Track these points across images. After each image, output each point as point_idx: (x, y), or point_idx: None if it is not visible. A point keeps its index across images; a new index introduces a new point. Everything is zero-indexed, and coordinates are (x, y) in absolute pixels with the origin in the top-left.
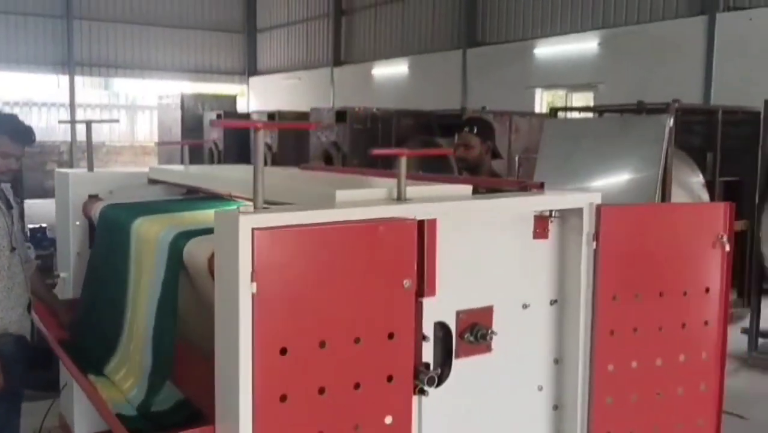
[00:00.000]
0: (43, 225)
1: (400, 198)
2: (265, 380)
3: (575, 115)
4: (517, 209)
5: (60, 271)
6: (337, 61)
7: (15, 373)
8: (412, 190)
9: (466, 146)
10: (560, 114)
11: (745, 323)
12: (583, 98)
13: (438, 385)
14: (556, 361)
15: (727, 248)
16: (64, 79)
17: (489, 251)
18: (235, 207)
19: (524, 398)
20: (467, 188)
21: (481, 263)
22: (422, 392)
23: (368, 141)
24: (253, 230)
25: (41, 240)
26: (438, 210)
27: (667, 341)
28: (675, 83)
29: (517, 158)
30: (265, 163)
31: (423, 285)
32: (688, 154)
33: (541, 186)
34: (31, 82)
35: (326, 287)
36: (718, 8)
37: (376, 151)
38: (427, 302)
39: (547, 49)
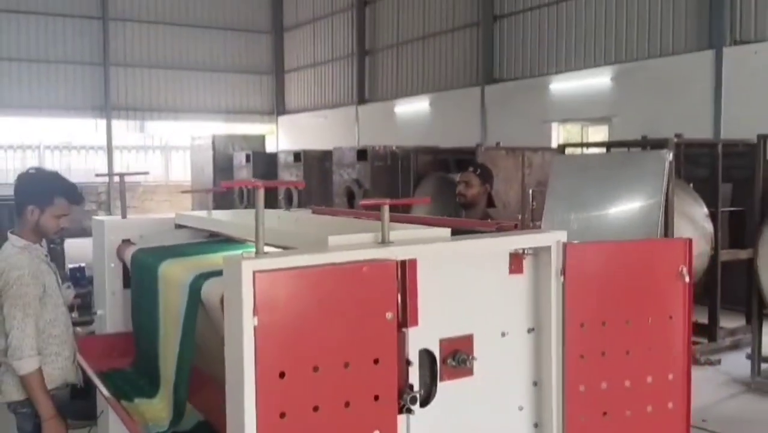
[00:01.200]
0: (82, 264)
1: (384, 241)
2: (266, 400)
3: (584, 150)
4: (490, 249)
5: (97, 308)
6: (362, 100)
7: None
8: (396, 233)
9: (467, 184)
10: (568, 150)
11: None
12: (598, 131)
13: (424, 405)
14: (535, 383)
15: (687, 279)
16: (102, 122)
17: (468, 285)
18: (243, 251)
19: (506, 418)
20: (446, 231)
21: (462, 296)
22: (408, 411)
23: (389, 177)
24: (254, 272)
25: (80, 279)
26: (416, 251)
27: (635, 364)
28: (685, 116)
29: (530, 191)
30: (291, 200)
31: (405, 317)
32: (695, 186)
33: (515, 227)
34: (70, 126)
35: (318, 319)
36: (725, 42)
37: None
38: (411, 331)
39: (562, 85)
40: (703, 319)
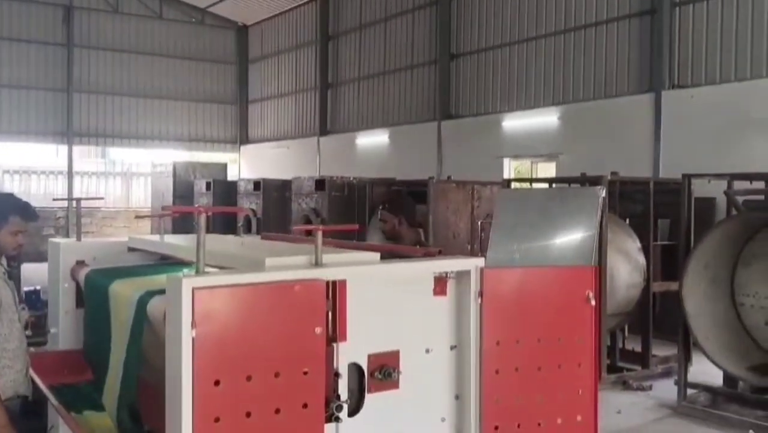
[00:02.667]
0: (38, 288)
1: (317, 263)
2: (202, 406)
3: (527, 185)
4: (415, 272)
5: (50, 327)
6: (323, 131)
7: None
8: (329, 257)
9: (384, 221)
10: (513, 184)
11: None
12: (546, 168)
13: (352, 415)
14: (457, 396)
15: (593, 302)
16: (63, 148)
17: (396, 305)
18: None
19: (430, 428)
20: (375, 255)
21: (389, 315)
22: (337, 419)
23: (345, 207)
24: (193, 289)
25: (35, 301)
26: (346, 273)
27: (546, 379)
28: (627, 154)
29: (480, 223)
30: (249, 228)
31: (335, 332)
32: (632, 222)
33: (439, 252)
34: (32, 151)
35: (252, 332)
36: (664, 87)
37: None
38: (341, 345)
39: (514, 122)
40: (638, 347)
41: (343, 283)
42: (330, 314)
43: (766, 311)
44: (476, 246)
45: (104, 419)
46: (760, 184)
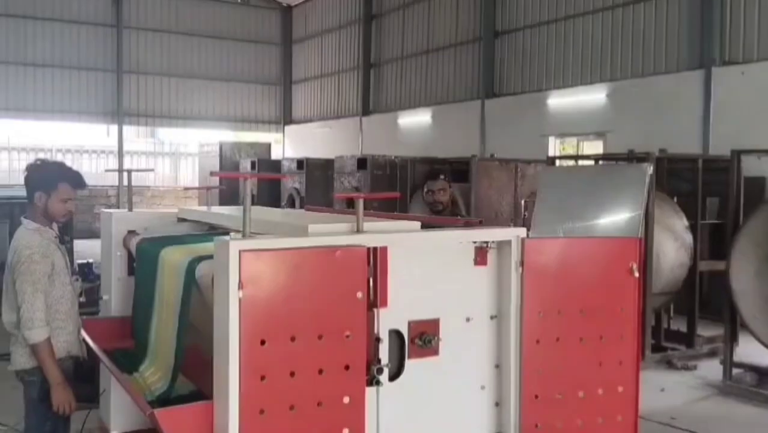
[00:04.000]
0: (90, 261)
1: (359, 230)
2: (248, 364)
3: (572, 163)
4: (455, 240)
5: (103, 294)
6: (366, 111)
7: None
8: (370, 225)
9: (443, 191)
10: (558, 162)
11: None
12: (593, 146)
13: (393, 379)
14: (497, 366)
15: (636, 274)
16: (114, 128)
17: (437, 274)
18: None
19: (469, 396)
20: (416, 224)
21: (430, 284)
22: (377, 382)
23: (387, 185)
24: (240, 251)
25: (88, 274)
26: (386, 239)
27: (587, 350)
28: (676, 132)
29: (523, 201)
30: (293, 206)
31: (376, 298)
32: (680, 200)
33: (479, 223)
34: (83, 130)
35: (296, 295)
36: (714, 63)
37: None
38: (381, 311)
39: (560, 100)
40: (684, 328)
41: (384, 249)
42: (371, 279)
43: None
44: (519, 225)
45: (152, 376)
46: None
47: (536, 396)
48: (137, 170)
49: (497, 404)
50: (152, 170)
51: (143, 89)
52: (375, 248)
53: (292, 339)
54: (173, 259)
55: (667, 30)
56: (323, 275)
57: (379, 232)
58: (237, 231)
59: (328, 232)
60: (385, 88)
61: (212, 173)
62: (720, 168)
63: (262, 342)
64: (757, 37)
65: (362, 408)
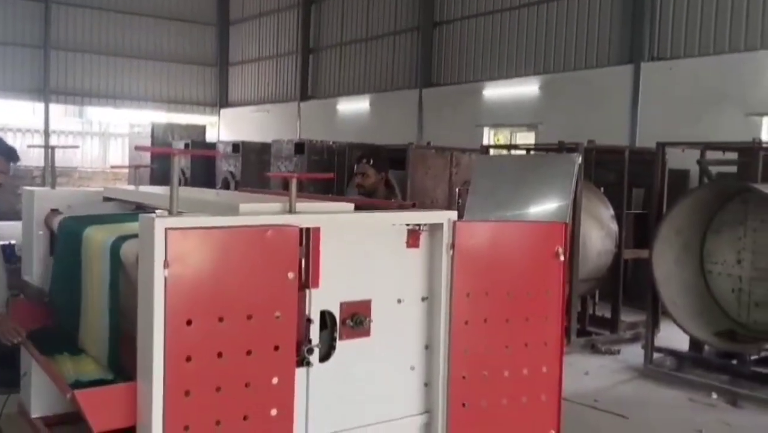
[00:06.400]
0: (12, 242)
1: (291, 210)
2: (173, 345)
3: (505, 152)
4: (386, 223)
5: (24, 275)
6: (304, 96)
7: None
8: (303, 205)
9: (363, 175)
10: (491, 151)
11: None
12: (526, 137)
13: (323, 360)
14: (427, 346)
15: (562, 258)
16: (40, 106)
17: (369, 255)
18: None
19: (399, 376)
20: (349, 206)
21: (362, 265)
22: (308, 363)
23: (325, 171)
24: (166, 229)
25: (10, 255)
26: (319, 220)
27: (513, 331)
28: (605, 125)
29: (457, 189)
30: (228, 188)
31: (308, 278)
32: (606, 190)
33: (413, 205)
34: (7, 108)
35: (225, 274)
36: (644, 59)
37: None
38: (313, 292)
39: (495, 91)
40: (608, 314)
41: (317, 230)
42: (303, 260)
43: (732, 278)
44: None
45: (83, 362)
46: (732, 156)
47: (463, 376)
48: (62, 147)
49: (426, 384)
50: (77, 147)
51: (72, 66)
52: (308, 229)
53: (220, 319)
54: (97, 238)
55: (599, 25)
56: (253, 254)
57: (312, 212)
58: (164, 209)
59: (259, 211)
60: (324, 73)
61: (137, 147)
62: (646, 160)
63: (189, 322)
64: (684, 34)
65: (291, 389)
